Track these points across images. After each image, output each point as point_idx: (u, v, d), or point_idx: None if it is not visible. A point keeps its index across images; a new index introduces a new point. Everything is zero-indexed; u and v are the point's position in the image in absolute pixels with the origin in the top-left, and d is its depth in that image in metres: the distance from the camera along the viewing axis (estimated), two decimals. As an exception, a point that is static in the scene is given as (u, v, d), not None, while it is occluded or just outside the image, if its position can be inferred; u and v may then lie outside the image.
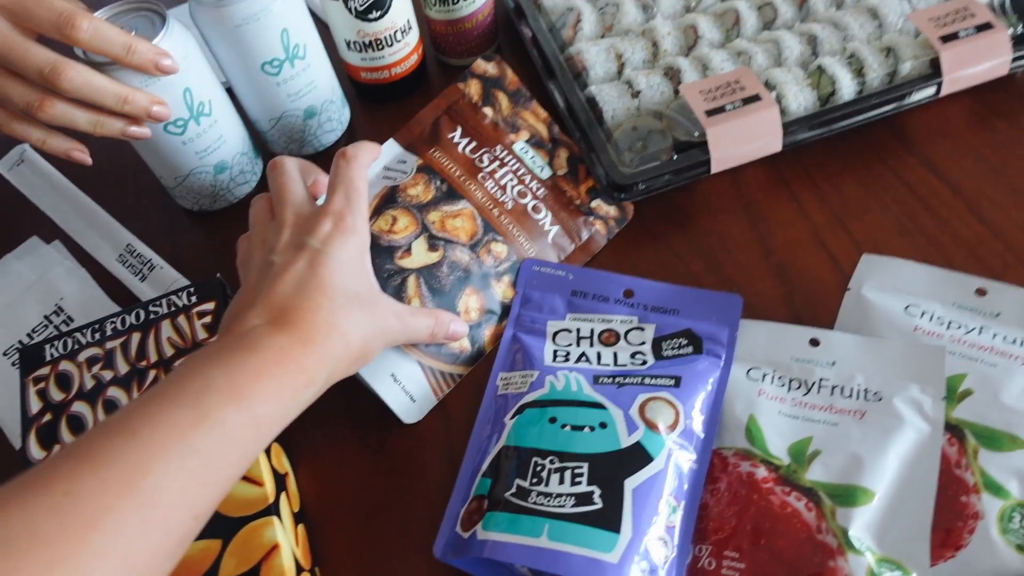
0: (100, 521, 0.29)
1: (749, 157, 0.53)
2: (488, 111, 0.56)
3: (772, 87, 0.54)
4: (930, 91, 0.54)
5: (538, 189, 0.53)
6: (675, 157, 0.52)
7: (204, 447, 0.32)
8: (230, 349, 0.36)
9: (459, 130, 0.54)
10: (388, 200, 0.50)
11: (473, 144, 0.53)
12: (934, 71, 0.54)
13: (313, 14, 0.70)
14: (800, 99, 0.54)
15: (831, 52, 0.56)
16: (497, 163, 0.53)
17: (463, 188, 0.51)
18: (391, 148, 0.53)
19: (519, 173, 0.53)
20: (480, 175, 0.52)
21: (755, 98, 0.52)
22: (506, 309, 0.50)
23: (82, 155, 0.50)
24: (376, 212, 0.49)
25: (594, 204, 0.54)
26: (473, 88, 0.56)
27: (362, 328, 0.40)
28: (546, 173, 0.54)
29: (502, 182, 0.52)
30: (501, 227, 0.50)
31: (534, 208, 0.52)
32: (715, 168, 0.52)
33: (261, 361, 0.35)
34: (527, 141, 0.55)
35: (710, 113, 0.52)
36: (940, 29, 0.54)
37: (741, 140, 0.52)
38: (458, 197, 0.50)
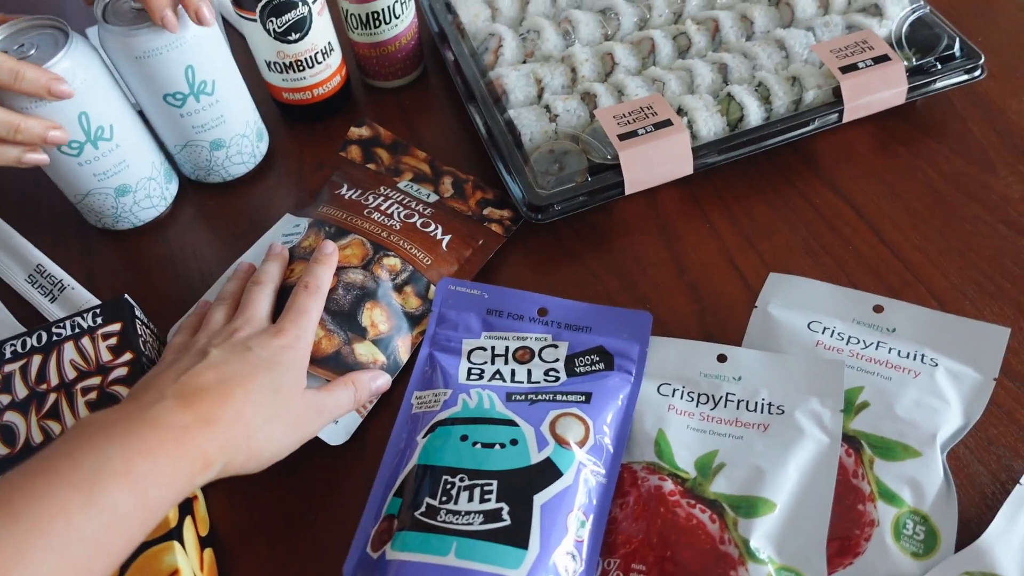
0: None
1: (661, 179, 0.55)
2: (371, 166, 0.59)
3: (684, 113, 0.56)
4: (832, 118, 0.57)
5: (425, 210, 0.55)
6: (590, 179, 0.54)
7: (89, 533, 0.31)
8: (132, 421, 0.35)
9: (345, 186, 0.57)
10: (289, 258, 0.52)
11: (359, 191, 0.56)
12: (836, 99, 0.57)
13: (237, 31, 0.70)
14: (710, 124, 0.56)
15: (740, 80, 0.59)
16: (382, 198, 0.55)
17: (350, 225, 0.53)
18: (288, 220, 0.57)
19: (404, 202, 0.56)
20: (366, 211, 0.54)
21: (666, 123, 0.54)
22: (413, 318, 0.51)
23: None
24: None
25: (486, 211, 0.57)
26: (354, 153, 0.60)
27: (271, 429, 0.40)
28: (432, 198, 0.57)
29: (388, 211, 0.54)
30: (391, 244, 0.52)
31: (423, 224, 0.54)
32: (628, 190, 0.54)
33: (161, 440, 0.35)
34: (411, 180, 0.58)
35: (623, 137, 0.53)
36: (841, 60, 0.57)
37: (653, 163, 0.54)
38: (346, 233, 0.52)
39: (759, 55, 0.60)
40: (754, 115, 0.56)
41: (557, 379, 0.47)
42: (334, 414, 0.44)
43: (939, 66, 0.59)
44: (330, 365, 0.46)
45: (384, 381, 0.48)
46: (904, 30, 0.61)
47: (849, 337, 0.48)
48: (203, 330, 0.45)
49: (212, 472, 0.37)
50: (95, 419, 0.35)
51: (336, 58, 0.62)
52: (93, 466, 0.32)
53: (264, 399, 0.39)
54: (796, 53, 0.60)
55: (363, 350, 0.47)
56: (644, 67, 0.61)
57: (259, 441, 0.39)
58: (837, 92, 0.57)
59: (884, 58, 0.57)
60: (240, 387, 0.39)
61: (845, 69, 0.57)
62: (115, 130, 0.51)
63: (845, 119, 0.57)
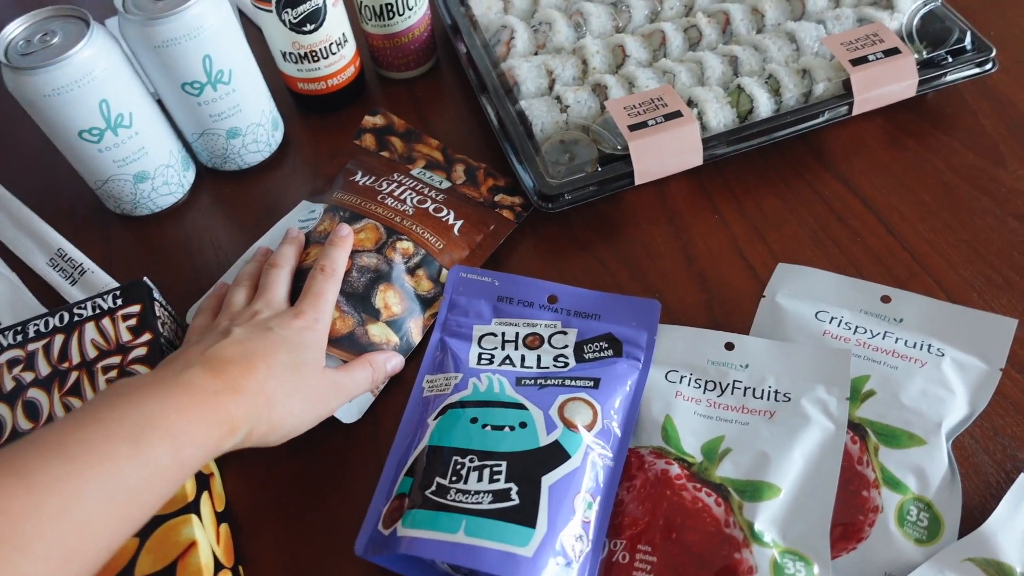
0: (31, 546, 0.28)
1: (671, 170, 0.56)
2: (385, 154, 0.60)
3: (694, 104, 0.57)
4: (842, 110, 0.57)
5: (438, 196, 0.56)
6: (600, 169, 0.55)
7: (133, 482, 0.32)
8: (167, 384, 0.37)
9: (359, 173, 0.58)
10: (305, 242, 0.53)
11: (373, 178, 0.57)
12: (846, 92, 0.57)
13: (252, 22, 0.71)
14: (720, 116, 0.56)
15: (750, 72, 0.59)
16: (395, 184, 0.56)
17: (364, 211, 0.54)
18: (304, 207, 0.58)
19: (417, 188, 0.56)
20: (379, 196, 0.55)
21: (676, 114, 0.54)
22: (426, 301, 0.51)
23: None
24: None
25: (497, 198, 0.58)
26: (368, 141, 0.61)
27: (291, 404, 0.41)
28: (445, 185, 0.58)
29: (401, 197, 0.55)
30: (404, 228, 0.53)
31: (435, 209, 0.55)
32: (638, 180, 0.54)
33: (194, 402, 0.36)
34: (423, 167, 0.59)
35: (633, 128, 0.54)
36: (851, 53, 0.57)
37: (662, 154, 0.54)
38: (360, 217, 0.53)
39: (769, 48, 0.60)
40: (764, 107, 0.57)
41: (566, 365, 0.47)
42: (351, 393, 0.45)
43: (950, 59, 0.59)
44: (344, 345, 0.47)
45: (398, 362, 0.49)
46: (915, 23, 0.61)
47: (856, 327, 0.48)
48: (224, 311, 0.46)
49: (237, 438, 0.38)
50: (131, 381, 0.37)
51: (350, 49, 0.62)
52: (137, 420, 0.34)
53: (285, 375, 0.41)
54: (806, 46, 0.60)
55: (376, 331, 0.48)
56: (655, 59, 0.62)
57: (279, 414, 0.40)
58: (847, 85, 0.57)
59: (895, 51, 0.57)
60: (263, 362, 0.40)
61: (855, 62, 0.57)
62: (134, 118, 0.53)
63: (855, 112, 0.57)
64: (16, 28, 0.49)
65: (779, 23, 0.63)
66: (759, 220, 0.56)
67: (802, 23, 0.61)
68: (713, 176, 0.59)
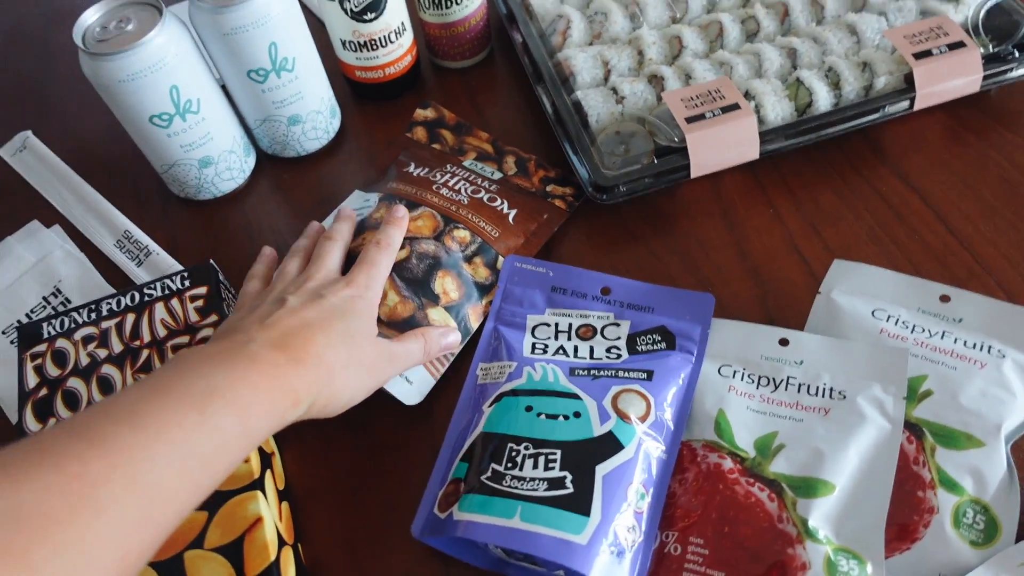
0: (107, 509, 0.29)
1: (727, 163, 0.55)
2: (436, 146, 0.61)
3: (751, 97, 0.56)
4: (903, 105, 0.57)
5: (491, 186, 0.57)
6: (656, 161, 0.55)
7: (202, 451, 0.33)
8: (232, 355, 0.37)
9: (412, 165, 0.58)
10: (360, 229, 0.54)
11: (426, 169, 0.58)
12: (908, 86, 0.56)
13: (313, 14, 0.72)
14: (778, 109, 0.56)
15: (809, 65, 0.59)
16: (449, 175, 0.57)
17: (420, 199, 0.54)
18: (357, 196, 0.58)
19: (470, 179, 0.57)
20: (434, 186, 0.56)
21: (734, 107, 0.54)
22: (483, 288, 0.52)
23: None
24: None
25: (549, 188, 0.58)
26: (419, 133, 0.62)
27: (348, 374, 0.42)
28: (497, 176, 0.58)
29: (455, 187, 0.56)
30: (460, 217, 0.53)
31: (490, 198, 0.56)
32: (694, 173, 0.54)
33: (260, 374, 0.37)
34: (475, 159, 0.60)
35: (690, 120, 0.54)
36: (914, 46, 0.56)
37: (719, 147, 0.54)
38: (416, 205, 0.54)
39: (829, 40, 0.59)
40: (823, 100, 0.56)
41: (619, 356, 0.48)
42: (405, 364, 0.46)
43: (1016, 54, 0.58)
44: (405, 329, 0.48)
45: (454, 338, 0.49)
46: (981, 16, 0.60)
47: (914, 326, 0.48)
48: (278, 280, 0.47)
49: (300, 410, 0.39)
50: (194, 352, 0.37)
51: (408, 38, 0.63)
52: (204, 389, 0.35)
53: (342, 344, 0.41)
54: (868, 38, 0.59)
55: (436, 315, 0.49)
56: (712, 51, 0.61)
57: (338, 385, 0.41)
58: (909, 79, 0.56)
59: (959, 44, 0.56)
60: (320, 332, 0.41)
61: (918, 55, 0.56)
62: (202, 103, 0.54)
63: (916, 107, 0.57)
64: (93, 15, 0.51)
65: (839, 15, 0.62)
66: (815, 215, 0.56)
67: (863, 15, 0.60)
68: (768, 170, 0.58)
